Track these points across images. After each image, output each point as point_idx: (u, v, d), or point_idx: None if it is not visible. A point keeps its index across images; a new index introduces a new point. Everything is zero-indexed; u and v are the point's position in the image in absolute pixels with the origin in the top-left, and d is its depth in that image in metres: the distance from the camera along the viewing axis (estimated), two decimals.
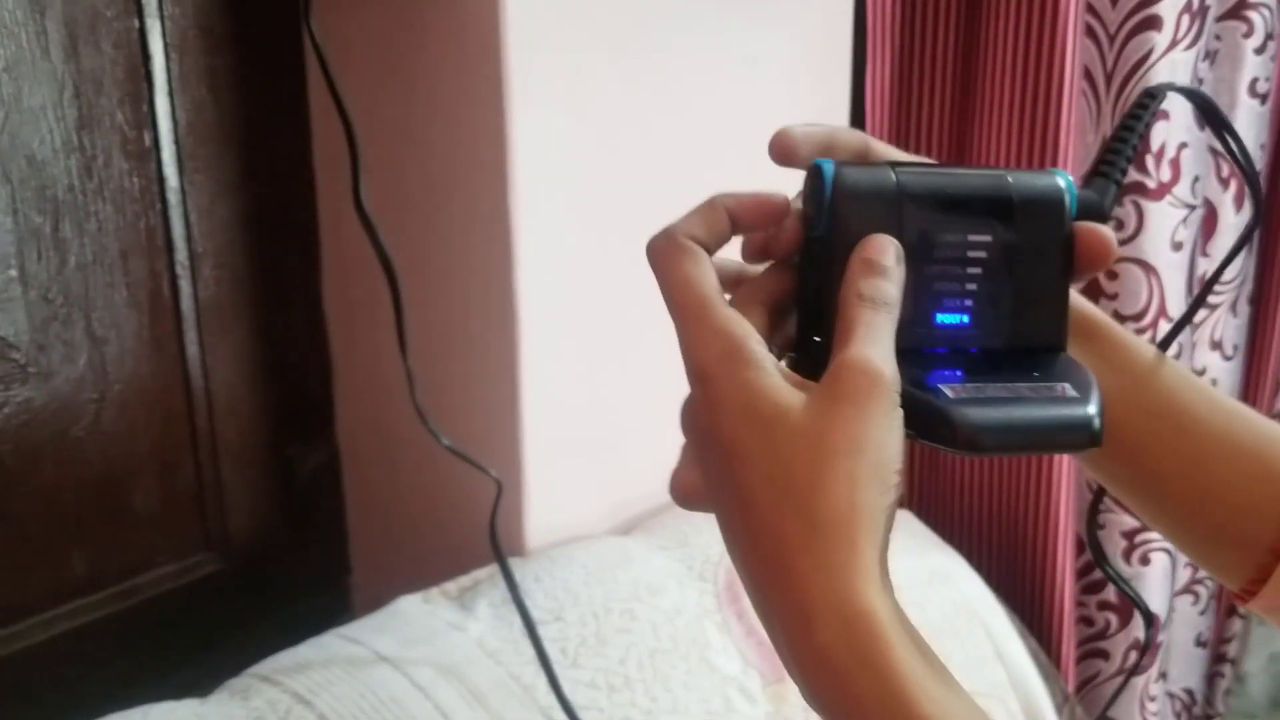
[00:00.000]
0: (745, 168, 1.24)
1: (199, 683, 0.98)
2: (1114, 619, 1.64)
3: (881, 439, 0.47)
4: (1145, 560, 1.62)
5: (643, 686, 1.07)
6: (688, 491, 0.54)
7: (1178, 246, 1.50)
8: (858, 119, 1.40)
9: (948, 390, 0.50)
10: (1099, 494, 0.73)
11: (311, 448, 1.29)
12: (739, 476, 0.48)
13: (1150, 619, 0.73)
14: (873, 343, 0.49)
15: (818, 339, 0.53)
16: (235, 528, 1.23)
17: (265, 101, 1.17)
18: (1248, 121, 1.59)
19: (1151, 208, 1.47)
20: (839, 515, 0.46)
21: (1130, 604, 1.61)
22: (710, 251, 0.53)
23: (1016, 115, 1.37)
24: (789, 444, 0.47)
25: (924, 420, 0.50)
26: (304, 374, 1.27)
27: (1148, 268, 1.48)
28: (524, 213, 1.08)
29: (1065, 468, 1.48)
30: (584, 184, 1.13)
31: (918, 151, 1.46)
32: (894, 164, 0.56)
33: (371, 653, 1.00)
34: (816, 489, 0.46)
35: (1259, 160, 1.63)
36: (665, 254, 0.52)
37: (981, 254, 0.55)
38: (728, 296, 0.53)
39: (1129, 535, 1.61)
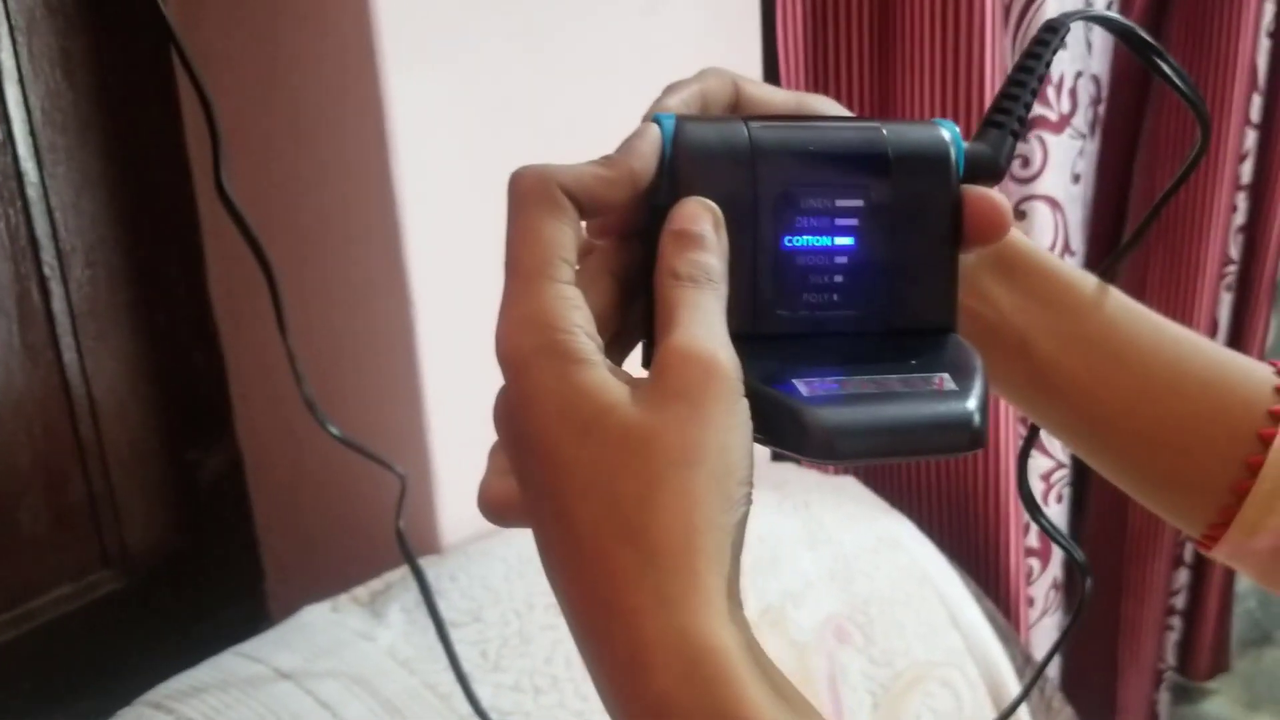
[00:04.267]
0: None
1: (105, 710, 0.91)
2: (1036, 564, 1.62)
3: (723, 443, 0.40)
4: (1059, 498, 1.64)
5: (572, 686, 1.00)
6: (499, 504, 0.45)
7: (1076, 178, 1.47)
8: (770, 62, 1.32)
9: (801, 386, 0.43)
10: (1027, 444, 0.66)
11: (211, 451, 1.21)
12: (556, 490, 0.40)
13: (1086, 571, 0.66)
14: (698, 324, 0.41)
15: None
16: (133, 542, 1.16)
17: (127, 85, 1.09)
18: (1102, 48, 1.54)
19: (1054, 141, 1.41)
20: (674, 541, 0.38)
21: (1049, 546, 1.60)
22: (584, 216, 0.45)
23: (939, 46, 1.29)
24: (613, 452, 0.39)
25: (773, 423, 0.42)
26: (196, 374, 1.19)
27: (1054, 203, 1.43)
28: (410, 183, 1.00)
29: (1010, 422, 1.42)
30: (474, 150, 1.06)
31: (838, 95, 1.38)
32: (749, 117, 0.48)
33: (272, 670, 0.93)
34: (647, 509, 0.39)
35: (1106, 85, 1.58)
36: (527, 198, 0.44)
37: (853, 221, 0.47)
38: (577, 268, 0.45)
39: (1045, 477, 1.60)
